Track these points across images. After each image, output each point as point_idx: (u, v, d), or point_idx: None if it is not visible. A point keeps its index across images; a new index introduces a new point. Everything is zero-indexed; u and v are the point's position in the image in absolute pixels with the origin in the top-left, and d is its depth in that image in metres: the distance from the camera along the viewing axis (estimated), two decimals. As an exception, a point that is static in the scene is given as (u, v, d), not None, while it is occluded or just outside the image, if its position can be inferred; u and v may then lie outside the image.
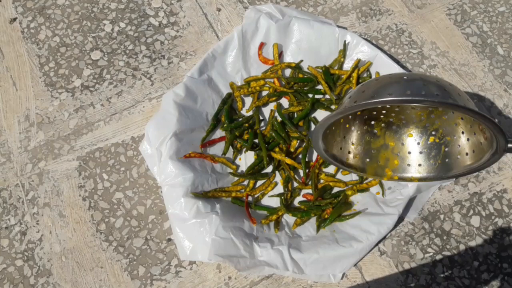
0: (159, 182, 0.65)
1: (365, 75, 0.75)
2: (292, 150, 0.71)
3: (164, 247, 0.65)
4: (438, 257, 0.65)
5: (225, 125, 0.70)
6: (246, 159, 0.71)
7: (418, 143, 0.63)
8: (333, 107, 0.74)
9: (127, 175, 0.70)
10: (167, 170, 0.63)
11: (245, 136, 0.70)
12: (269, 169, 0.70)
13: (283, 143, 0.70)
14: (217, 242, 0.58)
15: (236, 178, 0.69)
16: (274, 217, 0.65)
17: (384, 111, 0.63)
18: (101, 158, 0.71)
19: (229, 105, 0.72)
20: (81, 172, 0.70)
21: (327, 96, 0.74)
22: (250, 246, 0.60)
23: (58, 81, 0.77)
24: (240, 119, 0.72)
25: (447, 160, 0.60)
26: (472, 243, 0.66)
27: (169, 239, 0.66)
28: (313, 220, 0.66)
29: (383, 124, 0.64)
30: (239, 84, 0.75)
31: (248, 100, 0.75)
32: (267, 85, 0.74)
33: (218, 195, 0.65)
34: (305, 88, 0.75)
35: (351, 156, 0.64)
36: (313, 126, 0.74)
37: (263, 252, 0.59)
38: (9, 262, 0.65)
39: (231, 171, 0.69)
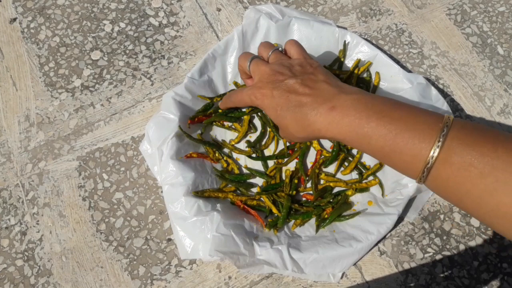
0: (160, 181, 0.65)
1: (365, 75, 0.75)
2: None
3: (164, 247, 0.65)
4: (438, 257, 0.65)
5: (219, 110, 0.70)
6: (246, 159, 0.71)
7: None
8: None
9: (127, 175, 0.70)
10: (168, 170, 0.63)
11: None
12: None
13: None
14: (217, 238, 0.58)
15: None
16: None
17: None
18: (101, 158, 0.71)
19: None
20: (81, 172, 0.70)
21: (327, 96, 0.74)
22: (250, 244, 0.60)
23: (58, 81, 0.77)
24: (238, 111, 0.72)
25: None
26: (472, 243, 0.66)
27: (169, 239, 0.66)
28: (312, 220, 0.66)
29: None
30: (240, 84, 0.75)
31: (248, 100, 0.75)
32: (267, 85, 0.74)
33: (214, 195, 0.65)
34: (305, 88, 0.75)
35: None
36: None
37: (263, 251, 0.59)
38: (10, 262, 0.65)
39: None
